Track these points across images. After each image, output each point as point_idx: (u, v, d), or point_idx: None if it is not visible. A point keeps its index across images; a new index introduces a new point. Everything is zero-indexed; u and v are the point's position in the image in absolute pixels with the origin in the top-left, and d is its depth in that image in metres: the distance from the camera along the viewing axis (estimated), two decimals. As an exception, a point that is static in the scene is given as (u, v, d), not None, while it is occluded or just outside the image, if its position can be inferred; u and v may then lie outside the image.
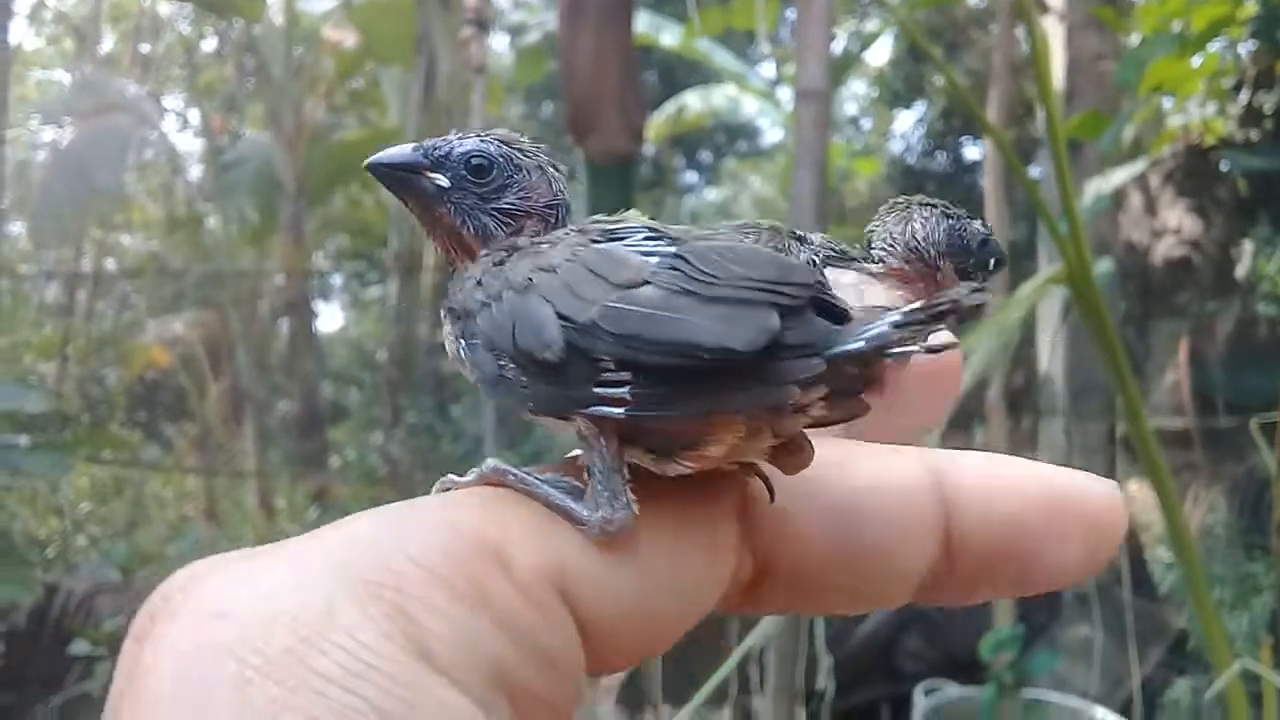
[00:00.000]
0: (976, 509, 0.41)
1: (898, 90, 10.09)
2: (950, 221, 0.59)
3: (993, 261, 0.60)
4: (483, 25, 2.66)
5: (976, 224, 0.60)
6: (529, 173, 0.49)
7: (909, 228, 0.59)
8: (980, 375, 2.37)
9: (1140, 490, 3.85)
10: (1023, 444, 6.52)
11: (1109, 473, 3.77)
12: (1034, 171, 6.77)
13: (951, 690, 4.03)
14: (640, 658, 0.38)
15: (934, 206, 0.60)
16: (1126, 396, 2.51)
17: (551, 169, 0.49)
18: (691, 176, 13.48)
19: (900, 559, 0.41)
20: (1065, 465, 0.43)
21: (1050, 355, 3.77)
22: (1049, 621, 4.27)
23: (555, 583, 0.35)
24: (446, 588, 0.33)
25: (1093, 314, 2.47)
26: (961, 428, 6.09)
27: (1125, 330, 4.43)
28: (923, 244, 0.58)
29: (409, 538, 0.34)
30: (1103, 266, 2.80)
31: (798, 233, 0.59)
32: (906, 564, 0.41)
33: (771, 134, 12.30)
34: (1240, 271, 5.16)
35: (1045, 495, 0.41)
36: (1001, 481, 0.41)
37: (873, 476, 0.41)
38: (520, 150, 0.49)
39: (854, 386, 0.39)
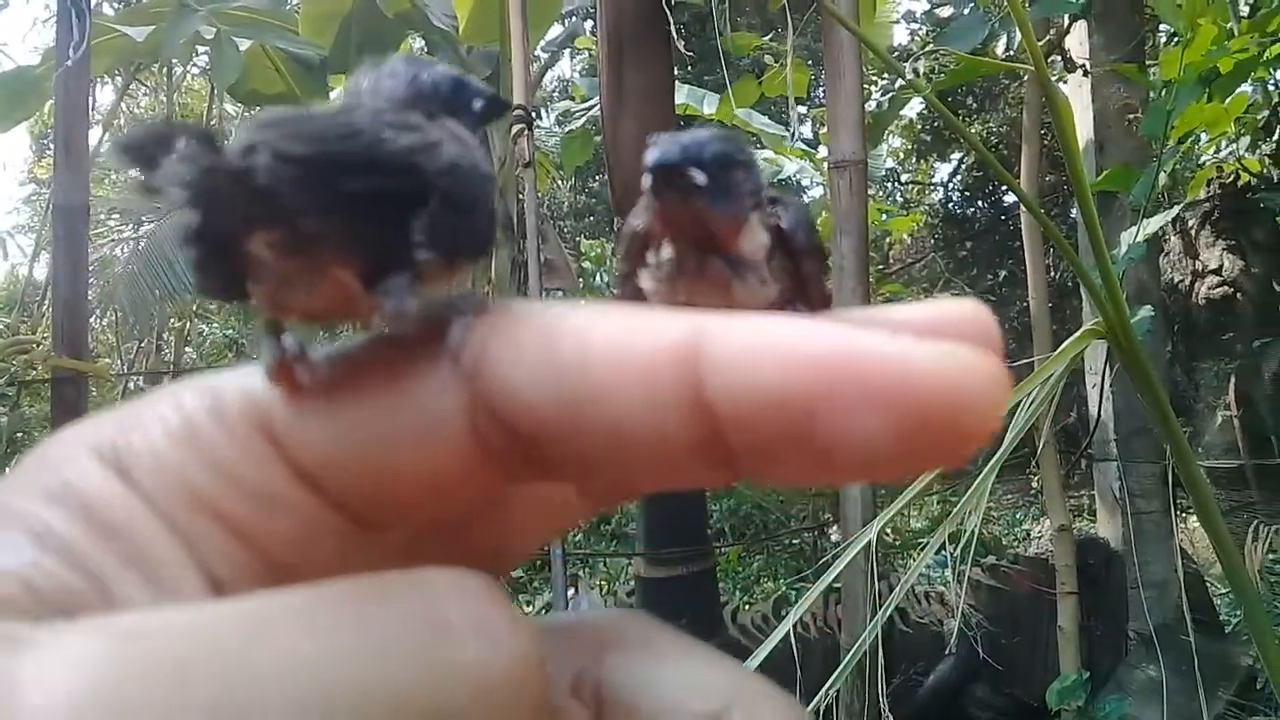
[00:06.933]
0: (735, 378, 0.32)
1: (927, 143, 10.22)
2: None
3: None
4: (529, 123, 2.83)
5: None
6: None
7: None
8: (1027, 425, 2.45)
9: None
10: (1078, 487, 6.53)
11: (1165, 513, 3.81)
12: (1076, 212, 6.79)
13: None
14: (374, 503, 0.36)
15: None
16: (1174, 443, 2.56)
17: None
18: (735, 236, 13.62)
19: (633, 431, 0.33)
20: (1122, 508, 0.32)
21: (1099, 400, 3.83)
22: (1114, 665, 4.27)
23: (254, 423, 0.37)
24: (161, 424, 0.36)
25: (1134, 365, 2.54)
26: (1020, 471, 6.11)
27: (1172, 371, 4.46)
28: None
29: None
30: (1143, 313, 2.87)
31: None
32: (643, 437, 0.33)
33: (813, 191, 12.51)
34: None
35: (818, 359, 0.31)
36: (768, 344, 0.32)
37: (609, 337, 0.33)
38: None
39: None
